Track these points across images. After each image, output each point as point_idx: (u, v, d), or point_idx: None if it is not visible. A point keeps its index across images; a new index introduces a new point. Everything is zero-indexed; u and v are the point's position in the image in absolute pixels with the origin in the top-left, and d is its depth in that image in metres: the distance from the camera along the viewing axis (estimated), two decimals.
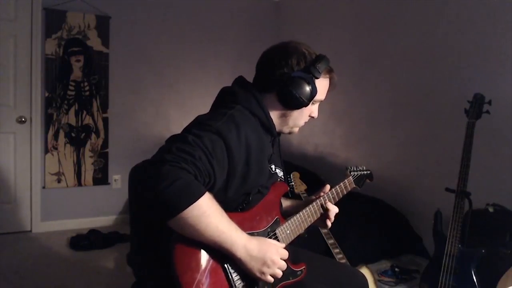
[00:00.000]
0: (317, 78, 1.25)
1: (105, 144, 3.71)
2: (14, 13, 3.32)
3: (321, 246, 2.08)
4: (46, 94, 3.45)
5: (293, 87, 1.22)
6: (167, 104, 3.96)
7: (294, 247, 1.39)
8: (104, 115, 3.68)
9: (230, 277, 1.10)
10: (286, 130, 1.35)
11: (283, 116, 1.31)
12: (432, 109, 2.79)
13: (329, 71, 1.31)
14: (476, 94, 2.12)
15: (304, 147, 4.02)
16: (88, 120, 3.62)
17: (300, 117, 1.32)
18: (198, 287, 1.03)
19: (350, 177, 1.50)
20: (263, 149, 1.23)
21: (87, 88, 3.60)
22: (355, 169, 1.54)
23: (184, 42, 3.97)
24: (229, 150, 1.11)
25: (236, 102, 1.24)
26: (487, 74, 2.43)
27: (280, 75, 1.24)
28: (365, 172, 1.56)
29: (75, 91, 3.56)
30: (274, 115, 1.30)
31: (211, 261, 1.08)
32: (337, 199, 1.44)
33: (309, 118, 1.36)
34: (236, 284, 1.11)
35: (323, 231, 2.11)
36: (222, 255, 1.08)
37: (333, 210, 1.39)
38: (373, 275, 2.15)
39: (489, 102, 2.09)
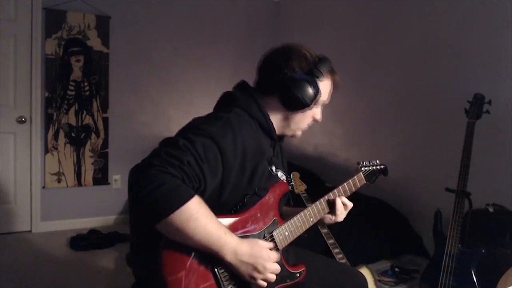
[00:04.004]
0: (319, 78, 1.25)
1: (105, 144, 3.71)
2: (14, 13, 3.32)
3: (321, 246, 2.08)
4: (46, 94, 3.45)
5: (296, 88, 1.22)
6: (167, 104, 3.96)
7: (294, 248, 1.38)
8: (104, 115, 3.68)
9: (220, 281, 1.08)
10: (288, 133, 1.33)
11: (286, 119, 1.29)
12: (432, 109, 2.79)
13: (331, 73, 1.30)
14: (476, 94, 2.12)
15: (304, 147, 4.02)
16: (88, 120, 3.62)
17: (303, 120, 1.31)
18: None
19: (361, 173, 1.44)
20: (261, 152, 1.21)
21: (87, 88, 3.59)
22: (367, 164, 1.47)
23: (184, 42, 3.97)
24: (223, 155, 1.09)
25: (235, 105, 1.23)
26: (487, 74, 2.42)
27: (282, 78, 1.23)
28: (378, 167, 1.50)
29: (75, 91, 3.55)
30: (276, 118, 1.29)
31: (200, 265, 1.06)
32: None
33: (312, 121, 1.34)
34: None
35: (323, 231, 2.11)
36: (212, 259, 1.07)
37: (339, 207, 1.34)
38: (373, 275, 2.15)
39: (489, 102, 2.09)
